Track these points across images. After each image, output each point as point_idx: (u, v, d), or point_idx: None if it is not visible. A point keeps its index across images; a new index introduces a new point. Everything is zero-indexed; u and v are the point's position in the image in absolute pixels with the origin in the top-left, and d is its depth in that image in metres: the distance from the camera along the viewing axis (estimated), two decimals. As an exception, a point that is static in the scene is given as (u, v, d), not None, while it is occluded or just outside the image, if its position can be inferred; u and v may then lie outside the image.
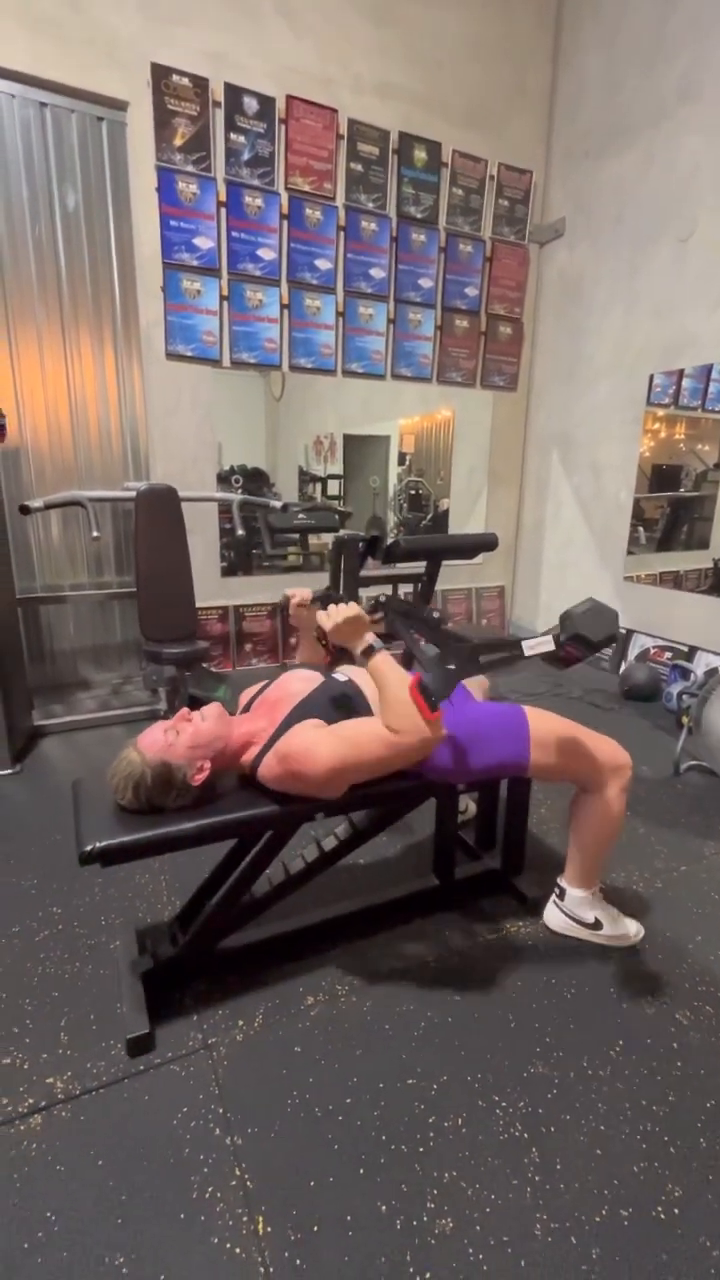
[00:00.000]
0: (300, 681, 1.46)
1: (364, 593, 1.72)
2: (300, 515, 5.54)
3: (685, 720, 2.61)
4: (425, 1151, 1.09)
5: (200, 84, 3.01)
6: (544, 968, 1.51)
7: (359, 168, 3.45)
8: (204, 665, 3.63)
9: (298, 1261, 0.94)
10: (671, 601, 3.57)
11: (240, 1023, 1.34)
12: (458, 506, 5.21)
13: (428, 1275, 0.92)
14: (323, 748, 1.24)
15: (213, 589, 3.62)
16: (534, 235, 4.03)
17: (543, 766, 1.47)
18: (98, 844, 1.18)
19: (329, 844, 1.53)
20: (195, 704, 2.99)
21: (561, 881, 1.63)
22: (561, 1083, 1.23)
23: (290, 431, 8.57)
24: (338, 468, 8.03)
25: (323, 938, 1.57)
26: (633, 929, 1.62)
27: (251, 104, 3.13)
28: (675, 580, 3.65)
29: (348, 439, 7.79)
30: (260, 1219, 0.99)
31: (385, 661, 1.33)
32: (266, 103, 3.16)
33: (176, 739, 1.29)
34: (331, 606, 1.36)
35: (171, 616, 2.74)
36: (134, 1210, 1.00)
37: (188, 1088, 1.20)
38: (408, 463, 7.62)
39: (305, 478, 8.33)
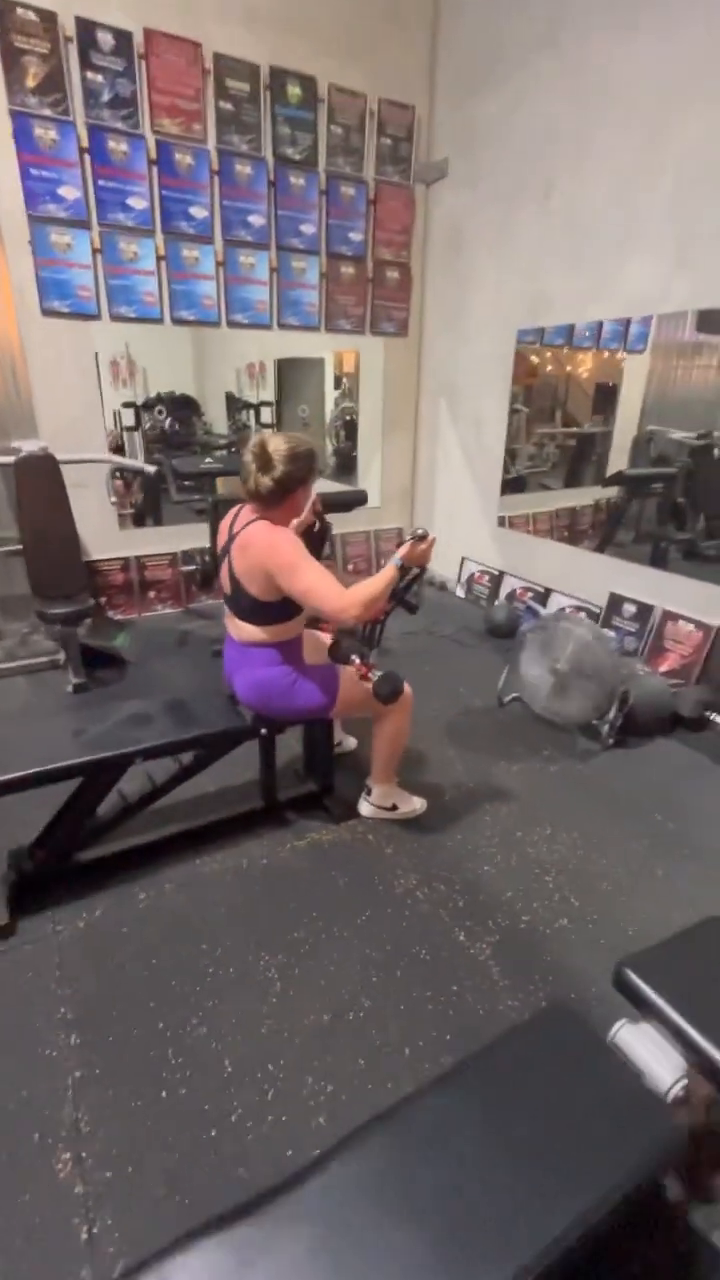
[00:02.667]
0: None
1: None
2: (208, 460, 5.69)
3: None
4: (201, 989, 1.56)
5: (48, 18, 2.90)
6: (331, 864, 1.98)
7: (229, 106, 3.39)
8: (108, 614, 3.90)
9: (92, 1057, 1.40)
10: (534, 546, 3.95)
11: (84, 914, 1.77)
12: (366, 447, 5.36)
13: (181, 1059, 1.40)
14: (306, 565, 1.65)
15: (112, 542, 3.83)
16: (418, 175, 4.03)
17: (344, 712, 2.00)
18: (-56, 790, 1.54)
19: (160, 778, 1.93)
20: (89, 655, 3.28)
21: (369, 782, 2.17)
22: (314, 942, 1.70)
23: (220, 356, 8.29)
24: (270, 394, 7.88)
25: (164, 851, 1.99)
26: (418, 804, 2.21)
27: (107, 39, 3.03)
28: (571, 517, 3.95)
29: (281, 363, 7.62)
30: (74, 1035, 1.45)
31: (389, 576, 1.73)
32: (123, 37, 3.06)
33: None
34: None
35: (57, 577, 2.99)
36: (-15, 1037, 1.44)
37: (36, 959, 1.63)
38: (344, 387, 7.54)
39: (237, 405, 8.16)
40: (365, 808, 2.17)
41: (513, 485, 4.18)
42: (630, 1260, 1.09)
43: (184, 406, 7.86)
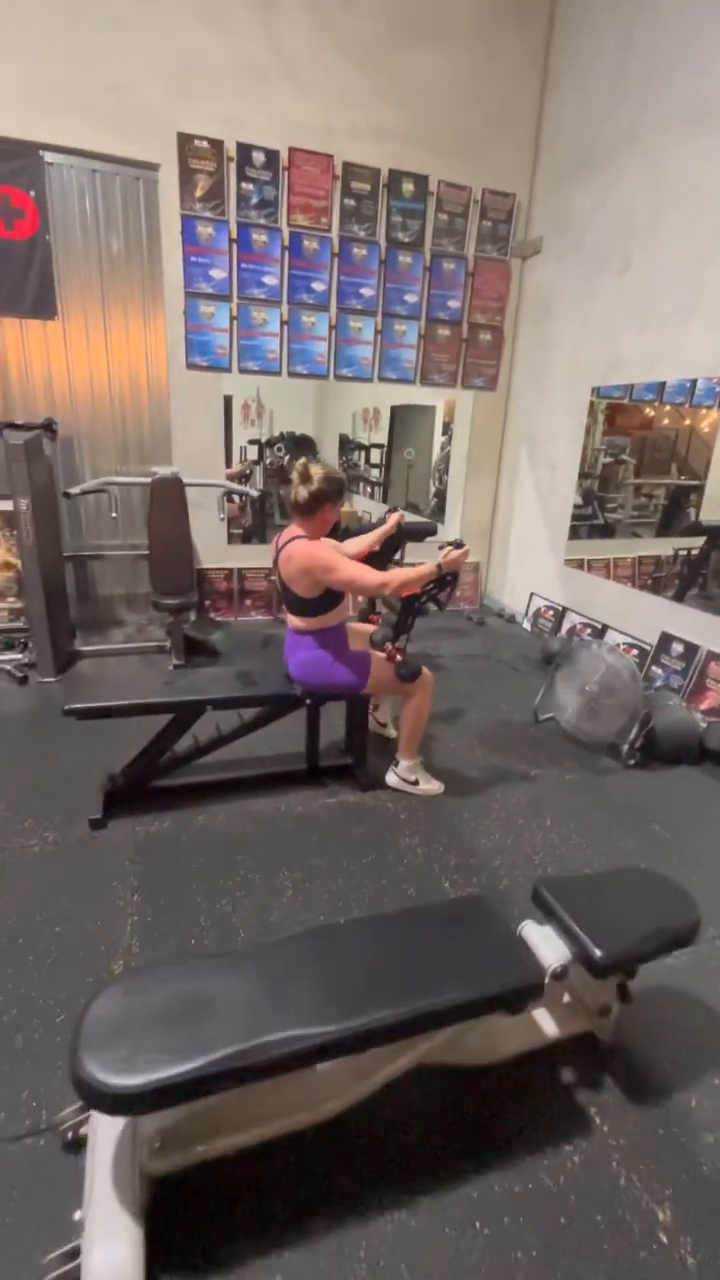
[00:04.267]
0: None
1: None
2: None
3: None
4: (233, 883, 2.01)
5: (217, 145, 3.73)
6: (352, 819, 2.37)
7: (352, 202, 4.08)
8: (210, 615, 4.58)
9: (147, 910, 1.88)
10: (596, 585, 4.18)
11: (155, 823, 2.29)
12: (454, 488, 5.80)
13: (208, 923, 1.85)
14: (341, 563, 2.13)
15: (220, 554, 4.53)
16: (515, 251, 4.52)
17: (376, 690, 2.42)
18: (73, 704, 2.13)
19: (226, 729, 2.44)
20: (190, 644, 3.92)
21: (397, 755, 2.55)
22: (326, 868, 2.10)
23: (340, 401, 9.16)
24: (381, 437, 8.59)
25: (223, 789, 2.48)
26: (437, 785, 2.56)
27: (259, 157, 3.82)
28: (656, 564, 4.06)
29: (395, 409, 8.33)
30: (136, 895, 1.94)
31: (427, 570, 2.23)
32: (272, 155, 3.84)
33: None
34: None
35: (171, 576, 3.67)
36: (74, 898, 1.96)
37: (118, 845, 2.16)
38: (450, 433, 8.11)
39: (349, 446, 8.97)
40: (391, 777, 2.54)
41: (601, 531, 4.41)
42: (511, 1110, 1.38)
43: (301, 445, 8.74)
